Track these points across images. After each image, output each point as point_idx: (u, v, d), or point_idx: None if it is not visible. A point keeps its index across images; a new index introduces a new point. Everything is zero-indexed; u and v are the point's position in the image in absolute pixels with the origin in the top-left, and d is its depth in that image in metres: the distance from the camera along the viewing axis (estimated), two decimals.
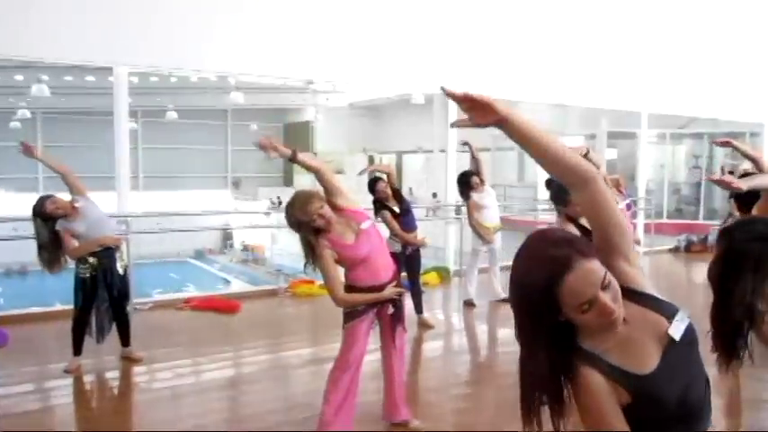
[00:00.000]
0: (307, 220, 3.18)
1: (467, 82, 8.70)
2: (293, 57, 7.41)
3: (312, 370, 4.96)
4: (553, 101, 10.17)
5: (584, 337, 1.43)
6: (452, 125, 1.44)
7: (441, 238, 8.79)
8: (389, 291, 3.40)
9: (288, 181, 25.48)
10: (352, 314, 3.40)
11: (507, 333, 6.21)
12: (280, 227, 14.31)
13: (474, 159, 6.75)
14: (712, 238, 12.24)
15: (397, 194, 5.83)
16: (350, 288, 3.40)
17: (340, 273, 3.40)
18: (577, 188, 1.45)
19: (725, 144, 5.07)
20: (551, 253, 1.33)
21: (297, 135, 26.55)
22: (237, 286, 17.29)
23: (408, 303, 4.72)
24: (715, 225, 12.09)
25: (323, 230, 3.24)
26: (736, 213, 7.98)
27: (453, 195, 8.94)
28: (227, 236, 23.28)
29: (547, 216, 14.40)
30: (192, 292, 14.94)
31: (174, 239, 19.59)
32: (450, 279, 8.36)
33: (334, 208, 3.29)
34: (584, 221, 3.59)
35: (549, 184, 3.71)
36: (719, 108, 11.93)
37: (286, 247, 19.60)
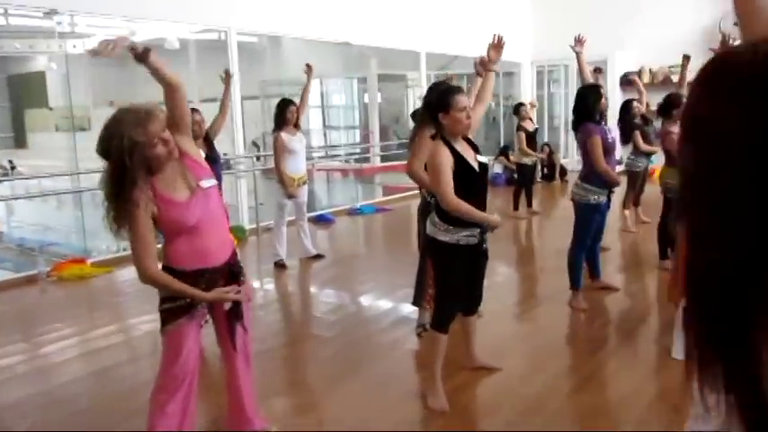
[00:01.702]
0: (143, 142, 2.24)
1: (226, 22, 7.63)
2: None
3: (105, 382, 3.86)
4: (328, 38, 9.51)
5: None
6: None
7: (230, 193, 7.83)
8: (223, 293, 2.49)
9: (20, 142, 21.75)
10: (172, 312, 2.46)
11: (329, 294, 5.58)
12: (16, 198, 12.04)
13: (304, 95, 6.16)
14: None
15: (207, 138, 4.87)
16: (167, 272, 2.48)
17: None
18: None
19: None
20: None
21: (27, 88, 22.65)
22: None
23: None
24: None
25: (154, 167, 2.34)
26: (524, 146, 8.21)
27: (242, 148, 8.05)
28: None
29: (322, 163, 14.11)
30: None
31: None
32: (246, 239, 7.50)
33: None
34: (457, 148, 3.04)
35: (428, 105, 3.41)
36: (484, 48, 12.32)
37: (26, 218, 16.74)
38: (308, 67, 6.08)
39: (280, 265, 6.14)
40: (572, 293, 4.77)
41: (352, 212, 9.28)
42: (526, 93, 13.75)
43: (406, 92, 16.63)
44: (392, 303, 5.02)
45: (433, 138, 3.15)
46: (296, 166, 6.00)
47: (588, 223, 4.69)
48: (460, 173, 3.00)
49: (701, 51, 11.45)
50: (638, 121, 6.94)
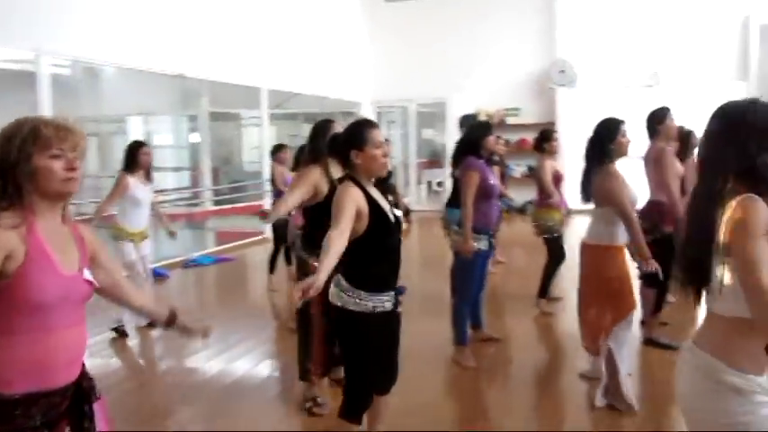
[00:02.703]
0: (45, 137, 1.65)
1: (34, 44, 6.33)
2: None
3: None
4: (157, 69, 8.42)
5: None
6: None
7: None
8: None
9: None
10: None
11: (186, 372, 4.53)
12: None
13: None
14: None
15: None
16: None
17: None
18: None
19: None
20: None
21: None
22: None
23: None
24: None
25: (38, 186, 1.67)
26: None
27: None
28: None
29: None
30: None
31: None
32: None
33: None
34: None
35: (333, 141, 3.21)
36: (325, 86, 12.02)
37: None
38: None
39: (120, 333, 5.08)
40: (456, 349, 4.32)
41: (188, 265, 8.18)
42: None
43: (239, 131, 15.78)
44: (266, 374, 4.27)
45: (339, 181, 2.55)
46: (138, 221, 5.15)
47: (471, 273, 4.29)
48: (377, 223, 2.42)
49: (533, 95, 12.09)
50: (496, 158, 6.88)
